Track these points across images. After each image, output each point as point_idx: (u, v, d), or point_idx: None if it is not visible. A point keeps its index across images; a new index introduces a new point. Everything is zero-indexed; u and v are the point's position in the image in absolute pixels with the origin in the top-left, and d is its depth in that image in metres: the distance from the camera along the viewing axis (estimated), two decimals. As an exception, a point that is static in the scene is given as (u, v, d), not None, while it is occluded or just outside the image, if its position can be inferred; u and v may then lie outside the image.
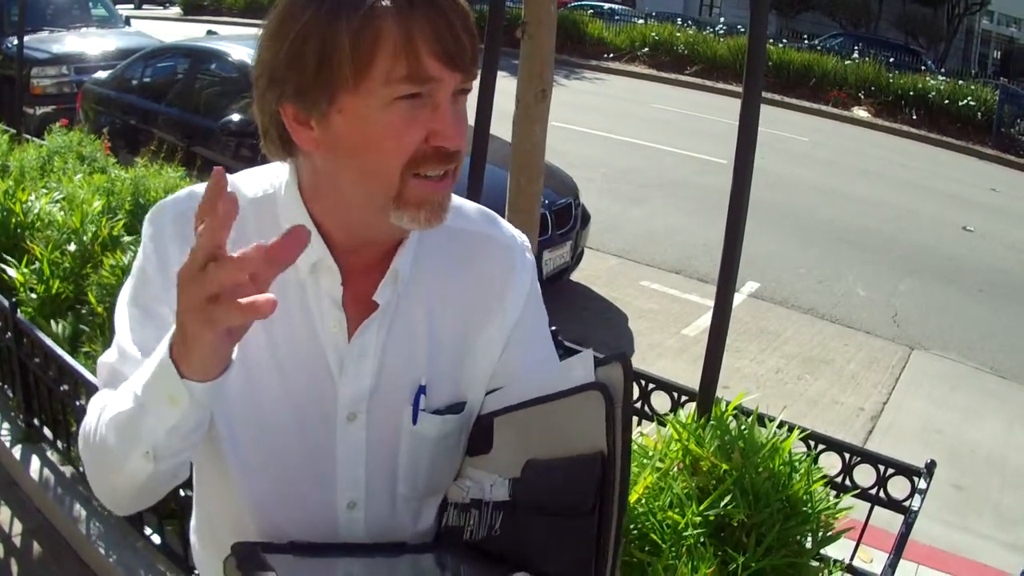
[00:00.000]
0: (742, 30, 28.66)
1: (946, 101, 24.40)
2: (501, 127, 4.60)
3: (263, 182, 1.71)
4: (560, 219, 8.78)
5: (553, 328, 4.30)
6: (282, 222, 1.63)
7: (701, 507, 2.94)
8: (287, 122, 1.51)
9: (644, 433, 3.58)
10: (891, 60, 28.71)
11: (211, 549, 1.90)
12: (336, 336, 1.67)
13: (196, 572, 2.08)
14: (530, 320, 1.85)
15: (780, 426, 3.31)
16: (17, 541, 4.79)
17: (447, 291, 1.75)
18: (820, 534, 3.07)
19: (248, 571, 1.51)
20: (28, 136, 8.64)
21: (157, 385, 1.39)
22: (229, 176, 1.71)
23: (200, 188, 1.70)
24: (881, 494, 3.61)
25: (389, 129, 1.45)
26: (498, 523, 1.65)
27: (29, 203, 5.96)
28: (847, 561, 3.47)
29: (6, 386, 5.59)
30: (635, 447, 3.29)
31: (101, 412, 1.56)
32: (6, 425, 5.45)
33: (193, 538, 2.06)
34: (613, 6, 41.74)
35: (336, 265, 1.63)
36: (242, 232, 1.62)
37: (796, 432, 3.30)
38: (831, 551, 3.18)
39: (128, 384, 1.48)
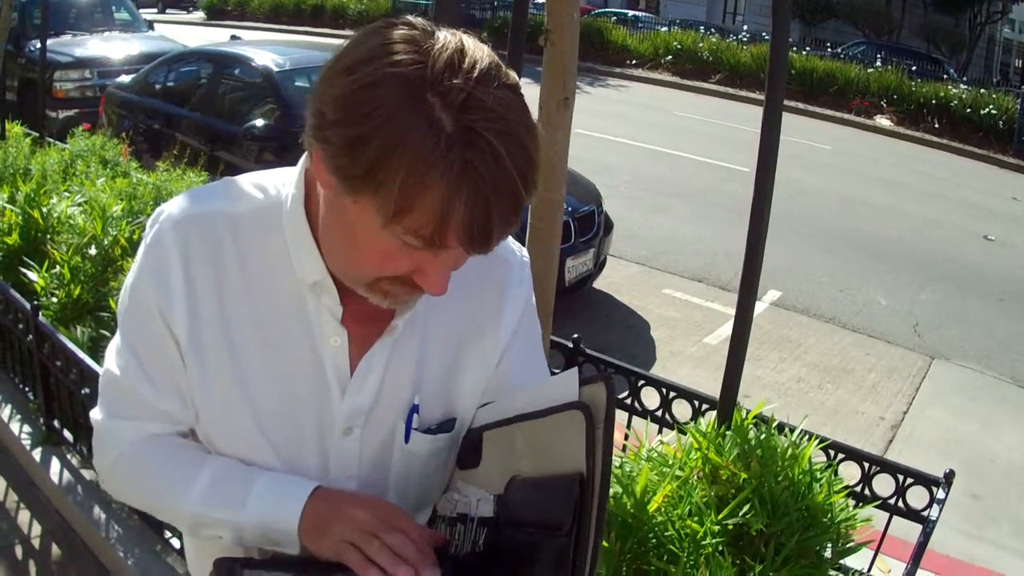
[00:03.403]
0: (766, 37, 28.56)
1: (968, 110, 24.27)
2: (523, 134, 4.60)
3: (269, 188, 1.67)
4: (583, 227, 8.80)
5: (575, 336, 4.34)
6: (287, 236, 1.62)
7: (720, 516, 2.93)
8: (315, 155, 1.42)
9: (664, 441, 3.58)
10: (913, 68, 28.55)
11: (203, 557, 1.90)
12: (336, 351, 1.66)
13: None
14: (525, 335, 1.84)
15: (800, 435, 3.30)
16: (36, 543, 4.81)
17: (442, 307, 1.72)
18: (840, 545, 3.06)
19: None
20: (51, 139, 8.68)
21: (262, 535, 1.64)
22: (236, 179, 1.70)
23: (201, 190, 1.71)
24: (900, 504, 3.60)
25: (384, 251, 1.42)
26: (481, 539, 1.63)
27: (50, 206, 5.98)
28: (865, 571, 3.46)
29: (27, 388, 5.62)
30: (655, 455, 3.29)
31: (143, 474, 1.77)
32: (27, 427, 5.48)
33: (188, 544, 2.05)
34: (636, 13, 41.89)
35: (335, 286, 1.61)
36: (246, 239, 1.64)
37: (814, 441, 3.29)
38: (848, 560, 3.17)
39: (200, 504, 1.67)
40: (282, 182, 1.67)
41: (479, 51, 1.37)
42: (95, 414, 1.79)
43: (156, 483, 1.74)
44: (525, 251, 1.89)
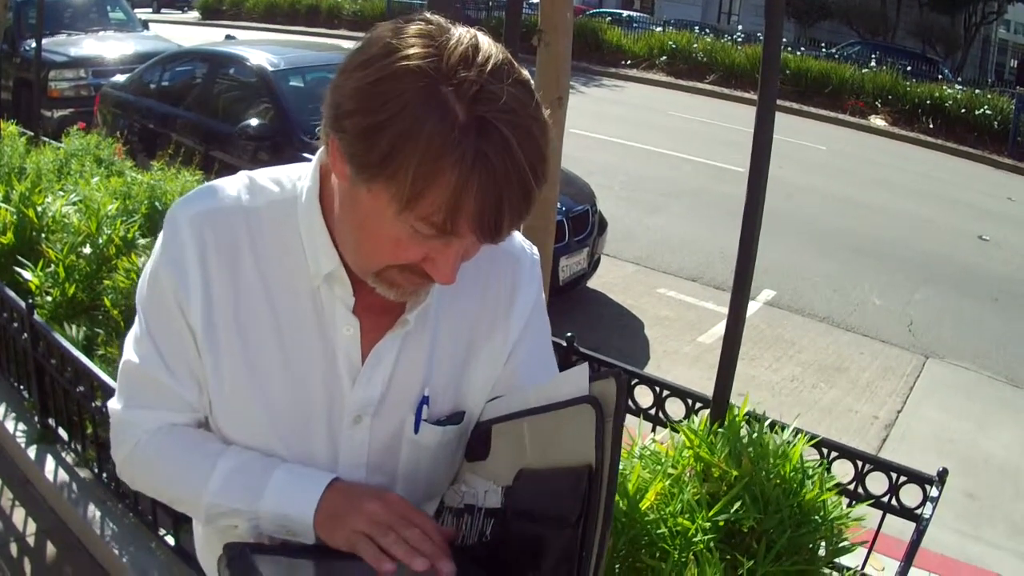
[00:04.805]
0: (760, 38, 28.65)
1: (963, 110, 24.34)
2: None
3: (284, 182, 1.70)
4: (577, 226, 8.83)
5: (569, 335, 4.34)
6: (301, 228, 1.64)
7: (711, 512, 2.94)
8: (331, 145, 1.47)
9: (656, 439, 3.58)
10: (908, 69, 28.53)
11: (213, 543, 1.91)
12: (348, 340, 1.68)
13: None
14: (534, 332, 1.87)
15: (792, 433, 3.31)
16: (31, 540, 4.81)
17: (454, 302, 1.76)
18: (833, 543, 3.07)
19: (237, 572, 1.53)
20: (45, 139, 8.67)
21: (278, 525, 1.66)
22: (252, 173, 1.72)
23: (217, 184, 1.72)
24: (893, 502, 3.61)
25: (397, 239, 1.45)
26: (489, 529, 1.66)
27: (45, 205, 5.98)
28: (859, 569, 3.46)
29: (22, 387, 5.62)
30: (647, 453, 3.30)
31: (169, 473, 1.78)
32: (22, 425, 5.48)
33: (197, 530, 2.07)
34: (631, 13, 41.92)
35: (348, 277, 1.64)
36: (261, 232, 1.66)
37: (803, 436, 3.29)
38: (842, 558, 3.17)
39: (220, 496, 1.70)
40: (297, 176, 1.70)
41: (493, 47, 1.41)
42: (113, 403, 1.82)
43: (174, 472, 1.76)
44: (536, 249, 1.91)
